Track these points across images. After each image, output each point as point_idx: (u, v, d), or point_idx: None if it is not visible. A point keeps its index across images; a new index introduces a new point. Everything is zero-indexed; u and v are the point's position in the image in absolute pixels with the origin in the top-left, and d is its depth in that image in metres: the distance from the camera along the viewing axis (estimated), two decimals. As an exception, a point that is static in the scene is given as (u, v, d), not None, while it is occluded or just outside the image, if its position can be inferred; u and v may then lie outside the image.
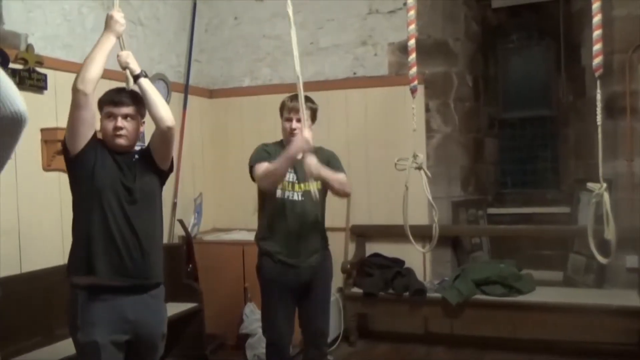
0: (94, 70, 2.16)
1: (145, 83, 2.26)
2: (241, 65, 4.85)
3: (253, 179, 2.88)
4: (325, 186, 2.83)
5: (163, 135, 2.27)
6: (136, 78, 2.26)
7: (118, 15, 2.24)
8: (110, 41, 2.24)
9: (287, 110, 2.86)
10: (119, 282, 2.19)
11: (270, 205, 2.88)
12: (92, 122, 2.24)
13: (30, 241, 3.13)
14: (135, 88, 2.28)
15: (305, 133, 2.62)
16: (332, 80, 4.57)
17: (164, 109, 2.26)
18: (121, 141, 2.24)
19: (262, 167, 2.77)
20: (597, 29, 2.13)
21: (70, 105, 2.19)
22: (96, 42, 2.23)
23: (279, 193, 2.83)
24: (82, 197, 2.25)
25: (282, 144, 2.91)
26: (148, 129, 2.38)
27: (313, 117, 2.90)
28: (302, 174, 2.82)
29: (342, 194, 2.90)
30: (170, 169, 2.43)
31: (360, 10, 4.54)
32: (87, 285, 2.19)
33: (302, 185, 2.84)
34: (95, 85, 2.16)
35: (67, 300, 2.25)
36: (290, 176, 2.84)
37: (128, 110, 2.26)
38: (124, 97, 2.27)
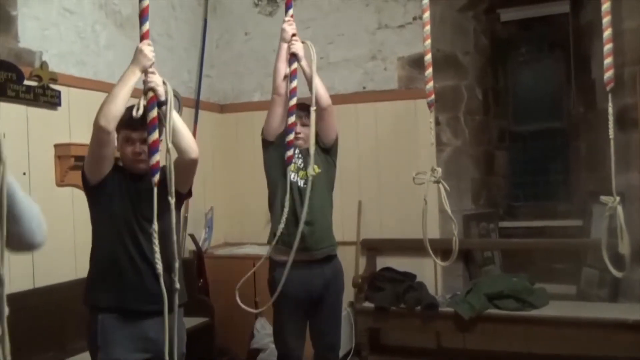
0: (118, 106, 2.05)
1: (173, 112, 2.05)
2: (252, 80, 4.89)
3: (265, 143, 2.92)
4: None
5: (187, 166, 2.22)
6: (160, 104, 2.02)
7: (147, 49, 2.04)
8: (135, 76, 2.06)
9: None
10: (137, 307, 2.20)
11: (277, 191, 2.87)
12: (113, 157, 2.20)
13: (44, 256, 3.15)
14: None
15: (283, 24, 2.71)
16: (342, 94, 4.58)
17: (190, 139, 2.19)
18: (142, 165, 2.20)
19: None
20: (607, 42, 2.12)
21: (91, 140, 2.13)
22: (121, 76, 2.10)
23: (289, 175, 2.82)
24: (101, 225, 2.26)
25: None
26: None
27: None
28: (306, 162, 2.86)
29: (323, 94, 2.85)
30: (189, 194, 2.41)
31: (369, 25, 4.57)
32: (107, 307, 2.21)
33: (306, 172, 2.87)
34: (117, 122, 2.08)
35: (87, 320, 2.28)
36: (299, 161, 2.88)
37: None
38: (142, 120, 2.23)
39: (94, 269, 2.30)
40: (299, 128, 2.87)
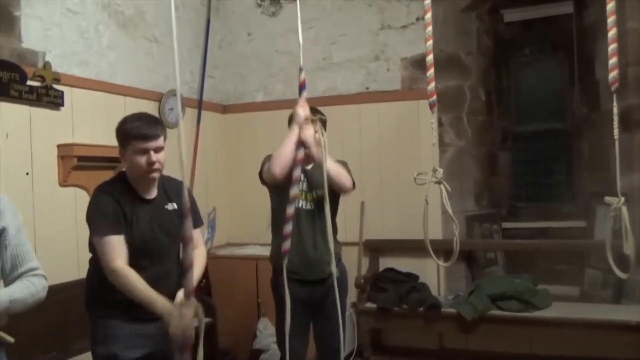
0: (125, 290, 2.11)
1: None
2: (254, 80, 4.89)
3: (263, 181, 2.89)
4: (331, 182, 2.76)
5: None
6: None
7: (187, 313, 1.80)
8: (155, 309, 2.09)
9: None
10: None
11: (282, 215, 2.86)
12: None
13: (46, 256, 3.13)
14: None
15: (297, 108, 2.51)
16: (345, 95, 4.58)
17: None
18: (155, 175, 2.22)
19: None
20: (612, 42, 2.11)
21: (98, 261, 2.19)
22: (148, 296, 2.11)
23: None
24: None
25: None
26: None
27: (323, 127, 2.93)
28: (312, 183, 2.85)
29: (338, 182, 2.80)
30: None
31: (372, 26, 4.56)
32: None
33: (312, 194, 2.86)
34: None
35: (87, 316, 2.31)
36: (302, 185, 2.86)
37: (159, 142, 2.21)
38: (156, 130, 2.21)
39: (94, 283, 2.31)
40: None
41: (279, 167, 2.67)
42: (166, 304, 2.03)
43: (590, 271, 4.24)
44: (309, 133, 2.55)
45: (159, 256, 2.24)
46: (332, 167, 2.71)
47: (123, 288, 2.10)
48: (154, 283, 2.16)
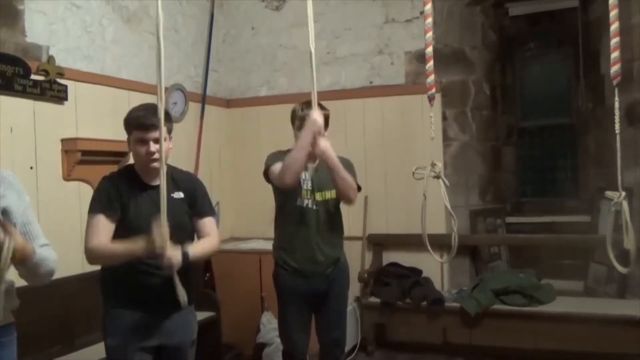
0: (109, 262, 2.19)
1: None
2: (258, 75, 4.89)
3: (268, 180, 2.88)
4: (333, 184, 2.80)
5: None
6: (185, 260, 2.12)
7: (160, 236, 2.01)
8: (138, 251, 2.08)
9: (299, 120, 2.85)
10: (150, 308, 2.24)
11: (287, 213, 2.88)
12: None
13: (51, 250, 3.16)
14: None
15: (314, 114, 2.56)
16: (349, 90, 4.58)
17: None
18: (156, 164, 2.18)
19: (279, 165, 2.75)
20: (614, 36, 2.10)
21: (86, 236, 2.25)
22: (129, 246, 2.10)
23: (297, 200, 2.84)
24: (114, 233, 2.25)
25: None
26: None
27: (326, 123, 2.91)
28: (318, 183, 2.84)
29: (345, 195, 2.82)
30: None
31: (376, 20, 4.55)
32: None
33: (318, 194, 2.85)
34: None
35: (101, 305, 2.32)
36: (308, 184, 2.85)
37: (159, 133, 2.18)
38: (155, 120, 2.16)
39: (107, 273, 2.30)
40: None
41: (290, 177, 2.67)
42: (144, 239, 2.06)
43: (595, 266, 4.23)
44: (327, 145, 2.63)
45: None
46: (342, 176, 2.73)
47: (104, 260, 2.20)
48: (151, 263, 2.17)
